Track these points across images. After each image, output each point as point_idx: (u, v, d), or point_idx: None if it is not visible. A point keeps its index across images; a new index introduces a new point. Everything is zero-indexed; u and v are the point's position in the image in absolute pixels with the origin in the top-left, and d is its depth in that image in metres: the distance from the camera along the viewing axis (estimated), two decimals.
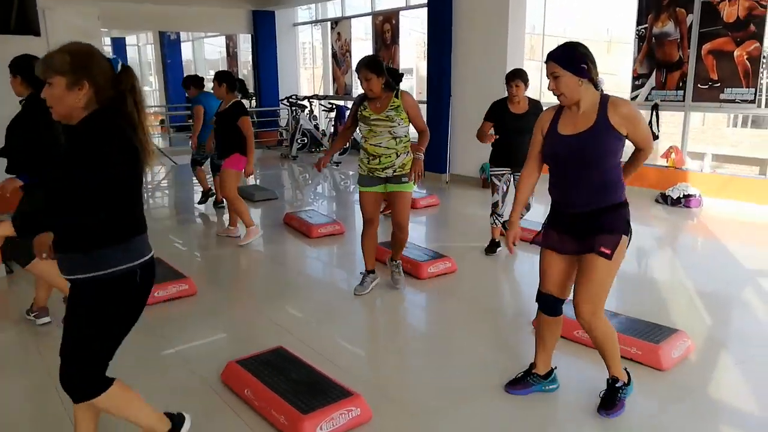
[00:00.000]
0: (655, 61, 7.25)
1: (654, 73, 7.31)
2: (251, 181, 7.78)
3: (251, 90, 14.30)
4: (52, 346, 3.42)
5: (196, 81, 6.88)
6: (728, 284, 4.44)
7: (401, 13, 10.66)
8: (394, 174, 4.08)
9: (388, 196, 4.20)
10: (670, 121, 8.23)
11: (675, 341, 3.21)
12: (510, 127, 4.91)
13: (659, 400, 2.90)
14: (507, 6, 7.63)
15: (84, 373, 2.15)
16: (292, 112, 11.60)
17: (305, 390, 2.75)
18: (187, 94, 7.09)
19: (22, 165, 3.39)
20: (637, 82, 7.51)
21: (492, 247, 5.21)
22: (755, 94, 6.49)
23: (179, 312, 4.01)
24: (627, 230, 2.62)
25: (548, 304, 2.82)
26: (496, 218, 5.16)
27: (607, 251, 2.53)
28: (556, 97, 2.57)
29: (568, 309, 3.42)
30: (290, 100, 11.78)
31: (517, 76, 4.89)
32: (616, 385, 2.74)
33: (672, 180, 7.12)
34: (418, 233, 6.24)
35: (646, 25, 7.29)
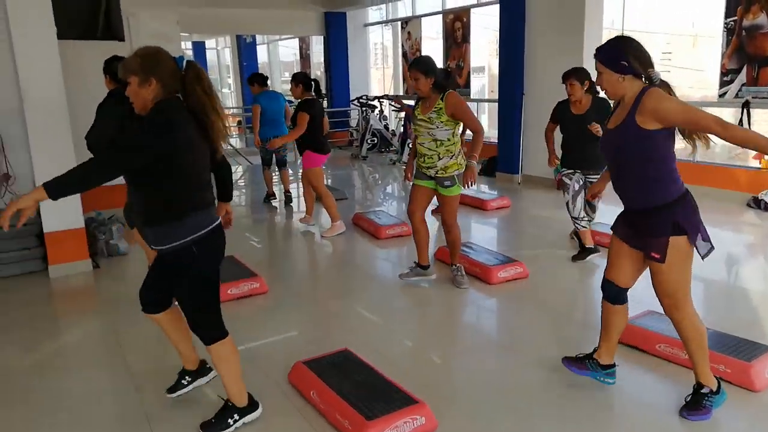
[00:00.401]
0: (746, 55, 6.77)
1: (744, 68, 6.82)
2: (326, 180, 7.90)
3: (323, 91, 14.52)
4: (133, 342, 3.58)
5: (261, 78, 7.14)
6: None
7: (473, 10, 10.50)
8: (437, 175, 4.14)
9: (437, 197, 4.29)
10: (763, 119, 7.68)
11: None
12: (570, 129, 4.74)
13: (749, 423, 2.68)
14: (583, 1, 7.35)
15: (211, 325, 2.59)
16: (362, 112, 11.67)
17: (370, 395, 2.72)
18: (252, 91, 7.29)
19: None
20: (725, 78, 7.04)
21: (581, 254, 4.91)
22: None
23: (250, 310, 4.09)
24: (676, 231, 2.50)
25: (611, 291, 2.79)
26: (577, 221, 4.87)
27: (657, 255, 2.53)
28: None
29: (653, 322, 3.24)
30: (360, 100, 11.86)
31: (572, 75, 4.63)
32: (702, 391, 2.66)
33: (765, 183, 6.62)
34: (488, 236, 6.12)
35: (736, 18, 6.82)
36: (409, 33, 12.14)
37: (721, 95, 7.10)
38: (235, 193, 8.92)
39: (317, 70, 15.91)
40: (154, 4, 8.65)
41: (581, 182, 4.84)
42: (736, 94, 6.92)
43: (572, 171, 4.84)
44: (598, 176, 4.43)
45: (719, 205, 6.60)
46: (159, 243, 2.44)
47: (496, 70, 9.47)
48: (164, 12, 8.25)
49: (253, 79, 7.17)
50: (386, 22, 13.53)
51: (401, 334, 3.79)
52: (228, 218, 2.93)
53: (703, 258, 2.57)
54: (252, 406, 2.71)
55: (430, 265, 4.48)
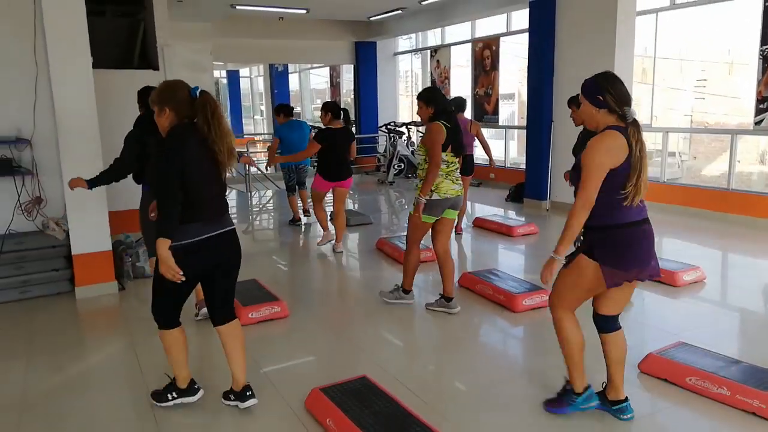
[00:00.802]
0: None
1: None
2: (350, 205, 7.95)
3: (353, 117, 14.69)
4: (153, 363, 3.59)
5: (287, 109, 7.39)
6: None
7: (502, 38, 10.54)
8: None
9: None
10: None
11: None
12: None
13: None
14: (614, 28, 7.30)
15: (154, 310, 2.98)
16: (390, 138, 11.74)
17: (388, 425, 2.66)
18: (278, 121, 7.49)
19: (139, 174, 4.12)
20: (761, 106, 6.87)
21: None
22: None
23: (271, 334, 4.07)
24: (590, 254, 2.63)
25: (595, 321, 2.93)
26: None
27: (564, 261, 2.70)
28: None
29: (683, 353, 3.13)
30: (388, 126, 11.94)
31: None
32: (566, 387, 2.92)
33: None
34: (514, 263, 6.02)
35: None
36: (438, 61, 12.24)
37: (757, 123, 6.93)
38: (263, 216, 9.00)
39: (347, 98, 16.12)
40: (188, 35, 8.94)
41: None
42: None
43: None
44: None
45: (755, 234, 6.38)
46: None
47: (525, 97, 9.45)
48: (198, 43, 8.52)
49: (279, 110, 7.42)
50: (416, 50, 13.68)
51: (423, 362, 3.72)
52: None
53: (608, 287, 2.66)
54: (190, 391, 3.07)
55: (453, 297, 4.44)
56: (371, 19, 12.33)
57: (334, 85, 16.44)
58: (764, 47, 6.77)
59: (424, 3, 10.25)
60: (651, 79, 9.26)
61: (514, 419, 2.94)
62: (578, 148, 4.49)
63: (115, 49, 6.85)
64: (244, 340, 3.09)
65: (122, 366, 3.70)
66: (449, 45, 12.08)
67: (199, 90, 2.74)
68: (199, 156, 2.67)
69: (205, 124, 2.68)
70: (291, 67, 18.46)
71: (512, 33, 10.38)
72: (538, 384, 3.30)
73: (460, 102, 6.40)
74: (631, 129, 2.57)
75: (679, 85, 13.47)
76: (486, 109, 10.91)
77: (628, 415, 2.85)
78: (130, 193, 6.55)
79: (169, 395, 3.07)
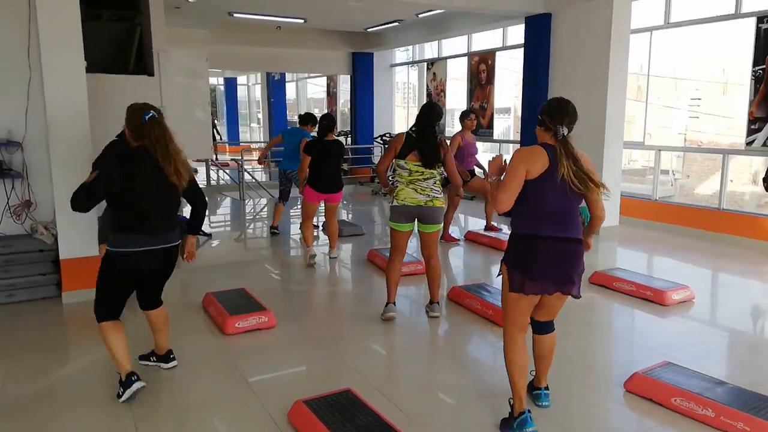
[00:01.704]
0: None
1: None
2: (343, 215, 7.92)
3: (347, 128, 14.75)
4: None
5: (313, 119, 7.42)
6: None
7: (498, 52, 10.60)
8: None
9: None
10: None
11: None
12: None
13: None
14: (608, 46, 7.35)
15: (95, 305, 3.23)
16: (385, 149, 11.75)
17: None
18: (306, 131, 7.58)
19: None
20: (753, 126, 6.92)
21: None
22: None
23: (257, 344, 4.04)
24: (506, 259, 2.91)
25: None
26: None
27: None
28: None
29: (669, 374, 3.12)
30: (384, 138, 11.96)
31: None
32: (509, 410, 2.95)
33: None
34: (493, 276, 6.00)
35: (764, 66, 6.74)
36: (434, 74, 12.29)
37: (749, 143, 6.98)
38: (257, 224, 8.97)
39: (344, 108, 16.15)
40: (185, 41, 8.94)
41: None
42: (764, 142, 6.79)
43: None
44: None
45: (745, 254, 6.40)
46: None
47: (520, 112, 9.49)
48: (194, 49, 8.52)
49: (307, 120, 7.44)
50: (412, 63, 13.74)
51: (409, 376, 3.69)
52: (189, 250, 3.49)
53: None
54: (128, 383, 3.16)
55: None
56: (368, 30, 12.39)
57: (331, 94, 16.47)
58: (756, 68, 6.83)
59: (420, 16, 10.30)
60: (645, 97, 9.33)
61: None
62: None
63: (110, 53, 6.82)
64: (167, 317, 3.61)
65: (106, 373, 3.65)
66: (445, 58, 12.14)
67: (149, 115, 3.06)
68: (143, 175, 3.03)
69: (151, 147, 3.05)
70: (288, 76, 18.50)
71: (508, 48, 10.44)
72: (530, 403, 3.27)
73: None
74: (557, 146, 2.78)
75: (674, 104, 13.56)
76: (481, 123, 10.95)
77: (544, 403, 3.10)
78: None
79: (119, 390, 3.22)
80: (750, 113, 6.95)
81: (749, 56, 6.90)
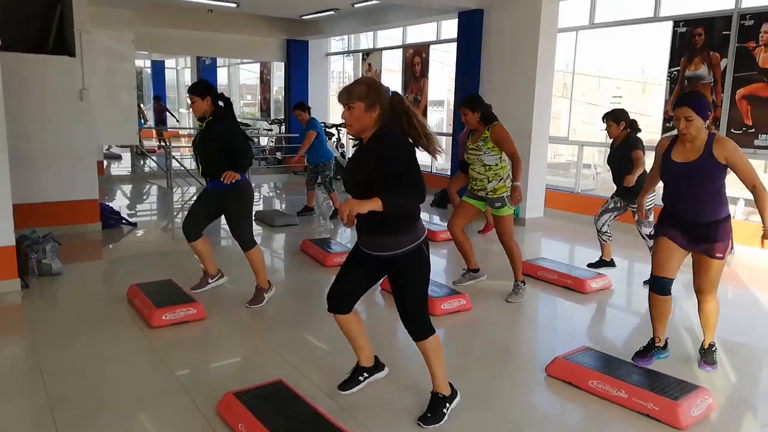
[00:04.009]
0: None
1: None
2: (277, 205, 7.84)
3: (280, 116, 14.54)
4: (56, 367, 3.41)
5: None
6: (758, 339, 4.22)
7: (432, 46, 10.73)
8: (487, 196, 4.73)
9: (493, 219, 4.88)
10: None
11: (695, 398, 3.02)
12: (611, 164, 5.48)
13: None
14: (537, 43, 7.60)
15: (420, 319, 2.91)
16: None
17: (301, 429, 2.65)
18: (301, 118, 7.77)
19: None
20: (668, 124, 7.36)
21: (597, 264, 5.74)
22: None
23: (186, 337, 3.96)
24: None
25: (666, 285, 3.48)
26: (601, 235, 5.63)
27: (720, 255, 3.35)
28: (682, 135, 3.26)
29: (587, 358, 3.29)
30: (337, 128, 11.87)
31: (609, 116, 5.34)
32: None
33: None
34: (436, 268, 6.10)
35: (679, 68, 7.17)
36: (369, 64, 12.30)
37: None
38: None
39: (278, 95, 15.91)
40: (109, 21, 8.53)
41: (617, 205, 5.45)
42: None
43: (615, 195, 5.46)
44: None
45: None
46: (390, 249, 2.76)
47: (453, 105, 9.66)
48: (119, 30, 8.15)
49: (303, 107, 7.71)
50: (348, 52, 13.69)
51: (342, 365, 3.71)
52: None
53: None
54: (454, 394, 3.03)
55: (479, 269, 5.17)
56: (303, 17, 12.23)
57: (264, 81, 16.19)
58: (672, 69, 7.25)
59: (356, 5, 10.27)
60: (570, 94, 9.71)
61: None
62: (612, 160, 5.38)
63: (28, 32, 6.45)
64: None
65: (22, 370, 3.48)
66: (381, 49, 12.17)
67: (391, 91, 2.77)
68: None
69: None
70: (220, 61, 18.02)
71: (442, 42, 10.59)
72: (456, 387, 3.37)
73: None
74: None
75: (597, 101, 14.17)
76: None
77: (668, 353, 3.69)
78: (36, 185, 6.24)
79: None
80: (665, 112, 7.38)
81: (666, 58, 7.32)
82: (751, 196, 3.37)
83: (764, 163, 11.34)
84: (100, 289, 5.15)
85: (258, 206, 9.31)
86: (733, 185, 3.51)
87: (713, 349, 3.66)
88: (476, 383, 3.41)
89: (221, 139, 4.20)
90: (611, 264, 5.73)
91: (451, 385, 2.99)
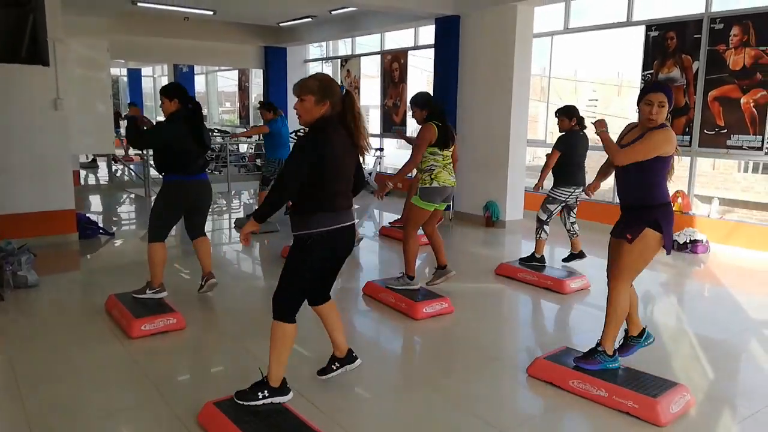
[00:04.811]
0: None
1: None
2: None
3: (260, 123, 14.46)
4: (32, 380, 3.34)
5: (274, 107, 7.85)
6: (734, 335, 4.29)
7: (410, 52, 10.78)
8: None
9: None
10: (677, 165, 8.14)
11: (674, 395, 3.07)
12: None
13: None
14: (513, 49, 7.68)
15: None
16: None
17: None
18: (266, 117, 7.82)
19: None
20: None
21: (570, 258, 5.83)
22: (762, 141, 6.42)
23: (165, 347, 3.91)
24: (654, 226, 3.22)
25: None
26: (571, 231, 5.79)
27: (630, 237, 3.24)
28: (648, 120, 3.23)
29: (568, 358, 3.31)
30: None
31: (562, 112, 5.65)
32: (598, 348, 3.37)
33: (678, 225, 7.01)
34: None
35: (652, 71, 7.30)
36: (348, 71, 12.32)
37: None
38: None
39: (257, 102, 15.84)
40: (83, 29, 8.45)
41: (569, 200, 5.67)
42: None
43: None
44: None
45: None
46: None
47: None
48: (94, 38, 8.06)
49: (270, 107, 7.81)
50: (326, 59, 13.70)
51: None
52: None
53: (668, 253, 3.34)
54: (284, 389, 3.02)
55: (447, 264, 5.09)
56: (281, 24, 12.22)
57: (243, 88, 16.12)
58: (645, 72, 7.38)
59: (334, 12, 10.29)
60: (547, 98, 9.82)
61: (417, 427, 3.00)
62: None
63: (0, 41, 6.35)
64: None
65: None
66: (359, 55, 12.20)
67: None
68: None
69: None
70: (197, 69, 17.91)
71: (419, 47, 10.65)
72: (438, 390, 3.39)
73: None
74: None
75: (573, 104, 14.30)
76: (394, 120, 11.11)
77: (652, 338, 3.60)
78: (10, 195, 6.14)
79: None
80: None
81: (640, 61, 7.44)
82: (726, 195, 3.46)
83: (740, 162, 11.56)
84: (78, 300, 5.07)
85: (238, 213, 9.26)
86: (707, 185, 3.58)
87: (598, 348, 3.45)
88: (458, 385, 3.42)
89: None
90: (581, 255, 5.81)
91: (284, 381, 3.00)
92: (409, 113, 11.12)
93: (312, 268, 2.91)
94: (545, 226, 5.64)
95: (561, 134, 5.67)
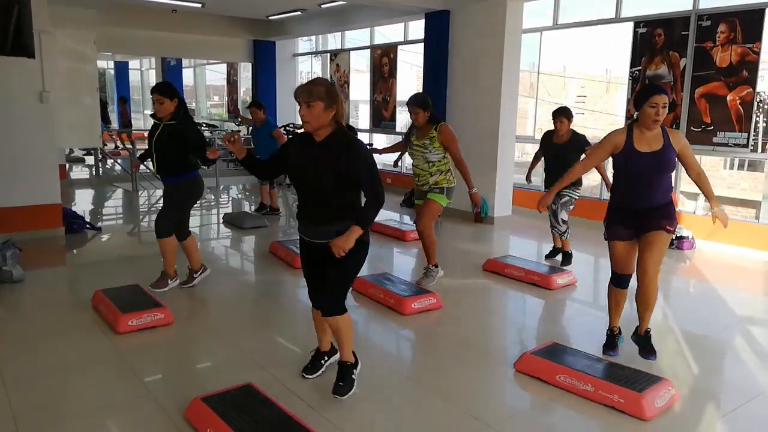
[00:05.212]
0: None
1: None
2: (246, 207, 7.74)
3: (248, 117, 14.37)
4: (20, 378, 3.31)
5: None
6: (719, 331, 4.34)
7: (400, 47, 10.76)
8: (431, 189, 4.94)
9: (424, 201, 5.01)
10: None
11: (659, 390, 3.11)
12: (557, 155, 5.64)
13: None
14: (502, 44, 7.69)
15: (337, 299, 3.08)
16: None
17: None
18: (253, 118, 7.89)
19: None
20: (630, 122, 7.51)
21: (565, 259, 5.87)
22: (748, 138, 6.48)
23: (153, 342, 3.89)
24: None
25: (626, 280, 3.66)
26: (559, 230, 5.77)
27: (670, 228, 3.47)
28: (653, 122, 3.38)
29: (555, 354, 3.32)
30: (287, 128, 11.81)
31: (561, 113, 5.64)
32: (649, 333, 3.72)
33: None
34: (406, 267, 6.16)
35: (640, 68, 7.34)
36: (338, 65, 12.28)
37: None
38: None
39: (246, 96, 15.76)
40: (70, 21, 8.35)
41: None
42: None
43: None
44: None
45: None
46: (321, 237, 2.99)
47: None
48: (80, 30, 7.96)
49: (260, 106, 7.90)
50: (315, 53, 13.64)
51: None
52: None
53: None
54: (356, 363, 3.31)
55: (438, 263, 5.20)
56: (270, 18, 12.14)
57: (231, 82, 16.01)
58: (633, 69, 7.42)
59: (323, 6, 10.24)
60: (536, 94, 9.85)
61: (405, 422, 3.01)
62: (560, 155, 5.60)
63: None
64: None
65: None
66: (348, 50, 12.15)
67: None
68: None
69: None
70: (185, 62, 17.75)
71: (409, 42, 10.63)
72: (426, 385, 3.40)
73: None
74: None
75: (562, 100, 14.41)
76: (384, 115, 11.09)
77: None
78: None
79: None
80: (628, 111, 7.54)
81: (628, 58, 7.48)
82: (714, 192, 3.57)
83: (726, 159, 11.65)
84: (64, 295, 5.03)
85: (226, 208, 9.22)
86: (693, 182, 3.62)
87: (650, 334, 3.72)
88: (445, 380, 3.44)
89: (187, 137, 4.47)
90: (561, 251, 5.96)
91: (354, 354, 3.24)
92: (398, 110, 11.12)
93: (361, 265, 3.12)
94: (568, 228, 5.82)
95: (581, 134, 5.70)
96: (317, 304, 3.21)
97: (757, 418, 3.10)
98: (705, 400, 3.32)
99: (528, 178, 6.30)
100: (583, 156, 5.25)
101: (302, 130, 3.05)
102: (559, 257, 5.99)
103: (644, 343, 3.68)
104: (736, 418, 3.09)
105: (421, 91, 8.72)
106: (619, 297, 3.74)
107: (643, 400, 3.00)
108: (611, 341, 3.79)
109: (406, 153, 5.32)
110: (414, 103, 4.84)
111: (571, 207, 5.73)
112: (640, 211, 3.47)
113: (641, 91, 3.46)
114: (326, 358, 3.46)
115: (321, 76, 3.30)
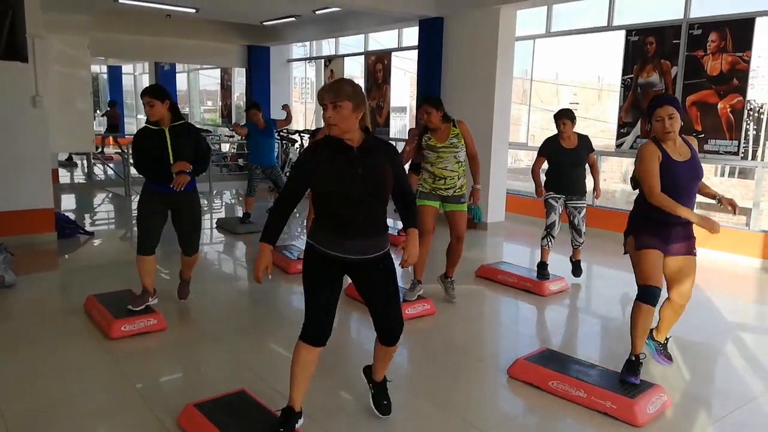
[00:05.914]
0: (640, 110, 7.34)
1: (639, 121, 7.39)
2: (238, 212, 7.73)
3: (243, 122, 14.38)
4: (7, 382, 3.29)
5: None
6: (710, 337, 4.37)
7: (394, 53, 10.81)
8: (455, 194, 4.67)
9: (448, 214, 4.77)
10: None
11: (651, 396, 3.13)
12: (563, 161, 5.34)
13: None
14: (495, 51, 7.74)
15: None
16: (282, 145, 11.62)
17: None
18: (249, 119, 7.73)
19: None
20: (622, 130, 7.58)
21: (542, 270, 5.35)
22: (738, 146, 6.55)
23: (145, 348, 3.88)
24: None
25: (658, 294, 3.31)
26: (550, 240, 5.39)
27: (695, 251, 3.48)
28: (665, 134, 3.20)
29: (547, 359, 3.34)
30: (281, 134, 11.81)
31: (564, 115, 5.35)
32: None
33: None
34: (398, 272, 6.16)
35: (632, 76, 7.40)
36: (332, 71, 12.31)
37: (618, 145, 7.63)
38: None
39: (240, 101, 15.76)
40: (64, 26, 8.33)
41: (562, 207, 5.47)
42: (631, 145, 7.46)
43: (558, 196, 5.41)
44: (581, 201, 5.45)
45: (615, 247, 6.98)
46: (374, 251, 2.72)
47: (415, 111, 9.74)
48: (74, 35, 7.95)
49: (258, 107, 7.73)
50: (310, 59, 13.67)
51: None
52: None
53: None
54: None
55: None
56: (265, 23, 12.17)
57: (225, 87, 16.02)
58: (625, 77, 7.48)
59: (318, 12, 10.28)
60: (529, 101, 9.91)
61: (398, 428, 3.01)
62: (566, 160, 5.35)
63: None
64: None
65: None
66: (343, 56, 12.20)
67: None
68: None
69: None
70: (179, 67, 17.75)
71: (403, 49, 10.68)
72: (420, 390, 3.40)
73: None
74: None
75: (555, 107, 14.46)
76: (377, 121, 11.13)
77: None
78: None
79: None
80: (620, 118, 7.61)
81: (620, 66, 7.55)
82: (705, 200, 3.55)
83: (714, 167, 11.75)
84: (56, 300, 5.01)
85: (219, 213, 9.20)
86: None
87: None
88: (439, 386, 3.44)
89: (199, 138, 4.35)
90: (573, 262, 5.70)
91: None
92: (392, 116, 11.15)
93: None
94: None
95: (583, 134, 5.47)
96: (388, 334, 2.86)
97: (749, 425, 3.12)
98: (696, 407, 3.34)
99: (541, 192, 5.55)
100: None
101: (320, 136, 2.73)
102: (560, 268, 5.78)
103: (663, 348, 3.76)
104: (727, 425, 3.11)
105: (415, 97, 8.78)
106: (649, 318, 3.32)
107: (636, 407, 3.02)
108: (635, 368, 3.31)
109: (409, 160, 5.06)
110: (426, 102, 4.65)
111: None
112: (671, 223, 3.30)
113: (647, 105, 3.32)
114: (299, 420, 2.77)
115: (344, 77, 3.09)
